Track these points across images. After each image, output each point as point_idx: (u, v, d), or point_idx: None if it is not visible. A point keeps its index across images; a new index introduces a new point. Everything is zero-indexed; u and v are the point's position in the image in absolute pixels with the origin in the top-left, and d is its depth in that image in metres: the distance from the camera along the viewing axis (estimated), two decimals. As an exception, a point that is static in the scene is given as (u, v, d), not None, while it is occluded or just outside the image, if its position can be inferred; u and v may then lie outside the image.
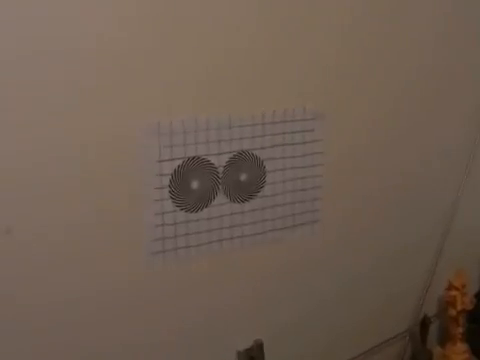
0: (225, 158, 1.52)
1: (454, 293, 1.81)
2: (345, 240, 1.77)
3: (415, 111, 1.78)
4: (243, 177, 1.56)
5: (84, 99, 1.32)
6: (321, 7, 1.53)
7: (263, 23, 1.47)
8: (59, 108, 1.30)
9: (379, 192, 1.78)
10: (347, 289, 1.80)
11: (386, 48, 1.66)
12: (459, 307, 1.81)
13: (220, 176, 1.52)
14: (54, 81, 1.27)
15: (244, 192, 1.57)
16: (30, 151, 1.29)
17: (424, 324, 1.87)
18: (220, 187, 1.53)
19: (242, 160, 1.55)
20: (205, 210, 1.52)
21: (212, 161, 1.50)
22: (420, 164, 1.83)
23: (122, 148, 1.38)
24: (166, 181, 1.46)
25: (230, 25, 1.43)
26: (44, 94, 1.27)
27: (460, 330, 1.85)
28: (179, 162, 1.46)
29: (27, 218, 1.31)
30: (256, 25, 1.47)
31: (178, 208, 1.49)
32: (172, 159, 1.45)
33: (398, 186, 1.81)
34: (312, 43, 1.55)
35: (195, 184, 1.50)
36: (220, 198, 1.53)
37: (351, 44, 1.61)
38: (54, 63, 1.26)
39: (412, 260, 1.90)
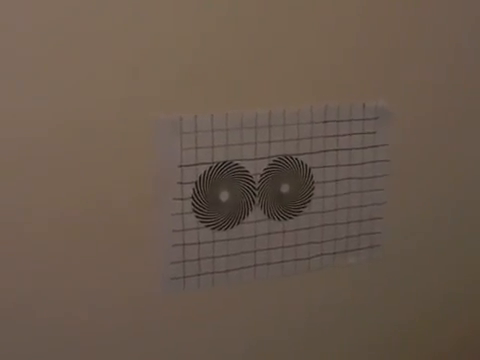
0: (263, 164, 1.40)
1: None
2: (411, 270, 1.62)
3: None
4: (285, 188, 1.43)
5: (88, 84, 1.23)
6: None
7: (312, 5, 1.37)
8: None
9: (456, 212, 1.63)
10: (411, 332, 1.67)
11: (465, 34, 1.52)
12: None
13: (256, 186, 1.40)
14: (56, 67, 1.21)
15: (286, 207, 1.44)
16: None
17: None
18: (256, 200, 1.41)
19: (284, 167, 1.42)
20: (236, 228, 1.41)
21: (247, 168, 1.38)
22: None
23: (133, 149, 1.29)
24: (188, 191, 1.35)
25: (271, 8, 1.33)
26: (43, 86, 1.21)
27: None
28: (205, 168, 1.35)
29: (27, 239, 1.27)
30: (300, 8, 1.36)
31: (203, 224, 1.38)
32: (197, 164, 1.34)
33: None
34: (371, 25, 1.42)
35: (225, 195, 1.38)
36: (255, 213, 1.42)
37: (418, 26, 1.47)
38: (63, 48, 1.21)
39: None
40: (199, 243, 1.37)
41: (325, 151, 1.42)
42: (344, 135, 1.43)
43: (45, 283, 1.28)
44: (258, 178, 1.39)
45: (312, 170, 1.43)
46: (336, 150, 1.43)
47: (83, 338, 1.35)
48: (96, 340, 1.36)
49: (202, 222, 1.36)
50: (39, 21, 1.16)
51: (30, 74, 1.18)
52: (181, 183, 1.33)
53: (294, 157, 1.40)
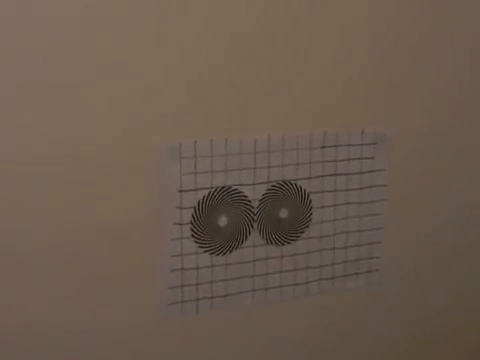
0: (262, 189, 1.38)
1: None
2: (409, 295, 1.60)
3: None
4: (283, 213, 1.41)
5: (88, 109, 1.23)
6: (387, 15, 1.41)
7: (310, 32, 1.36)
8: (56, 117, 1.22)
9: (455, 236, 1.62)
10: (409, 356, 1.64)
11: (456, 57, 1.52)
12: None
13: (255, 212, 1.39)
14: (55, 85, 1.21)
15: (284, 232, 1.43)
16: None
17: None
18: (254, 225, 1.39)
19: (283, 192, 1.40)
20: (235, 253, 1.39)
21: (245, 193, 1.37)
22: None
23: (133, 174, 1.28)
24: (187, 216, 1.34)
25: (270, 36, 1.32)
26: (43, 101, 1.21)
27: None
28: (204, 193, 1.34)
29: (27, 262, 1.26)
30: (301, 37, 1.35)
31: (201, 249, 1.36)
32: (196, 189, 1.33)
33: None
34: (369, 52, 1.42)
35: (223, 220, 1.37)
36: (254, 238, 1.40)
37: (416, 53, 1.46)
38: (66, 74, 1.21)
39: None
40: (198, 268, 1.36)
41: (323, 176, 1.41)
42: (342, 160, 1.42)
43: (45, 306, 1.27)
44: (257, 203, 1.37)
45: (310, 195, 1.41)
46: (334, 175, 1.42)
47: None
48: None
49: (201, 247, 1.35)
50: (41, 48, 1.15)
51: (31, 101, 1.17)
52: (180, 208, 1.31)
53: (293, 182, 1.39)
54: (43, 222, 1.23)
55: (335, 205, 1.44)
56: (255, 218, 1.38)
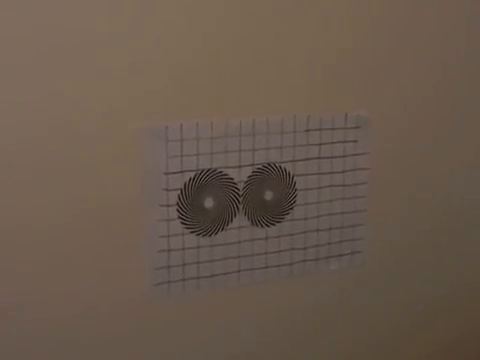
0: (247, 172, 1.39)
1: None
2: (392, 275, 1.61)
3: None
4: (268, 196, 1.42)
5: (74, 92, 1.22)
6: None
7: (294, 15, 1.36)
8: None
9: (436, 218, 1.62)
10: (392, 338, 1.65)
11: (445, 46, 1.52)
12: None
13: (240, 193, 1.39)
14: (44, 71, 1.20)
15: (269, 214, 1.43)
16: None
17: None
18: (240, 207, 1.40)
19: (268, 175, 1.41)
20: (221, 234, 1.40)
21: (231, 175, 1.37)
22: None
23: (120, 156, 1.28)
24: (174, 198, 1.34)
25: (255, 19, 1.32)
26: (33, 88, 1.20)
27: None
28: (190, 175, 1.34)
29: (14, 243, 1.26)
30: (285, 20, 1.35)
31: (188, 231, 1.37)
32: (182, 171, 1.33)
33: (461, 210, 1.64)
34: (353, 37, 1.42)
35: (209, 202, 1.37)
36: (239, 220, 1.40)
37: (399, 37, 1.46)
38: (50, 56, 1.20)
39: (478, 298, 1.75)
40: (184, 249, 1.36)
41: (307, 159, 1.42)
42: (326, 143, 1.42)
43: (32, 286, 1.27)
44: (242, 185, 1.38)
45: (295, 178, 1.42)
46: (318, 158, 1.43)
47: (68, 341, 1.33)
48: (81, 343, 1.34)
49: (187, 228, 1.35)
50: (25, 31, 1.15)
51: (19, 83, 1.17)
52: (167, 190, 1.32)
53: (277, 165, 1.39)
54: (29, 204, 1.23)
55: (319, 187, 1.44)
56: (240, 200, 1.38)
